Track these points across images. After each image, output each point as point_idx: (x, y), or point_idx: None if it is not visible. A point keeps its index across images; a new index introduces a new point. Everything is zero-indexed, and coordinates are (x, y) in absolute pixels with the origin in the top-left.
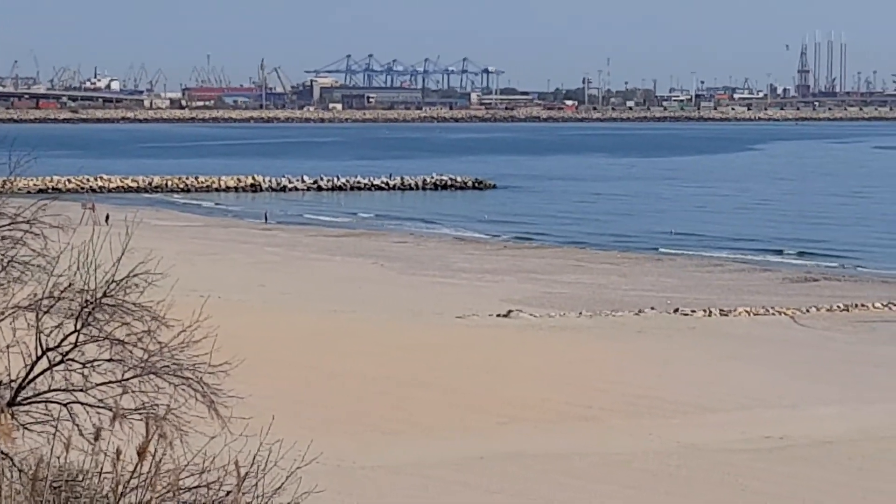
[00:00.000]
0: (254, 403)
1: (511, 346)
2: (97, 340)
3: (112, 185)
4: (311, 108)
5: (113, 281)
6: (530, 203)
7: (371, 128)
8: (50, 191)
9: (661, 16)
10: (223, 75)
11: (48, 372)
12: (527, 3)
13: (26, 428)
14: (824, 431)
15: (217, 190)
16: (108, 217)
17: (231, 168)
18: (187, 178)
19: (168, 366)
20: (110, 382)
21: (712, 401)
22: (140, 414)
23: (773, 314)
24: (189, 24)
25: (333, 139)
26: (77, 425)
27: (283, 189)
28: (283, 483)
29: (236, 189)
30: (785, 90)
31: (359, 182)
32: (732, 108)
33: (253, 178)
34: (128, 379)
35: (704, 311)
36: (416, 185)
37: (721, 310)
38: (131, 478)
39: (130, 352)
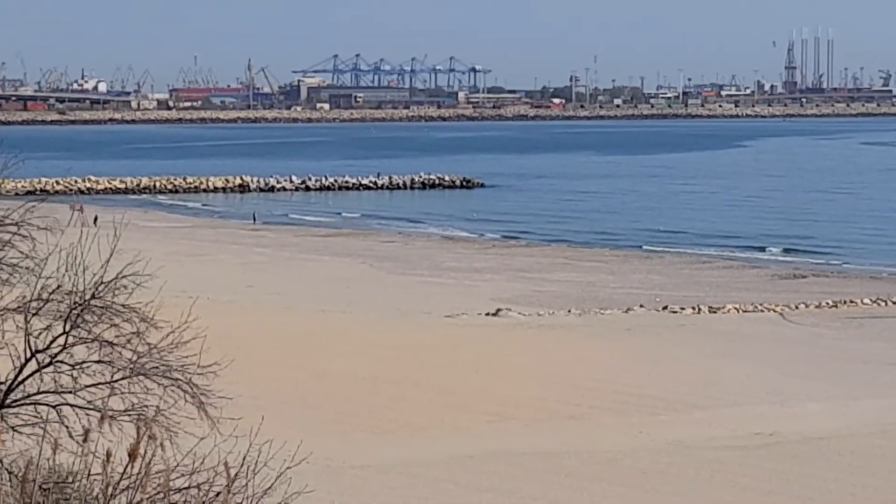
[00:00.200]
0: (243, 404)
1: (500, 344)
2: (86, 342)
3: (100, 187)
4: (299, 108)
5: (101, 282)
6: (518, 201)
7: (359, 127)
8: (38, 193)
9: (648, 13)
10: (210, 76)
11: (37, 374)
12: (514, 2)
13: (16, 430)
14: (814, 428)
15: (205, 191)
16: (96, 219)
17: (219, 169)
18: (175, 179)
19: (157, 367)
20: (99, 384)
21: (702, 398)
22: (129, 415)
23: (762, 311)
24: (176, 25)
25: (321, 139)
26: (66, 427)
27: (272, 189)
28: (272, 483)
29: (224, 190)
30: (772, 87)
31: (347, 182)
32: (720, 105)
33: (241, 178)
34: (117, 380)
35: (693, 308)
36: (404, 184)
37: (710, 307)
38: (121, 479)
39: (119, 353)
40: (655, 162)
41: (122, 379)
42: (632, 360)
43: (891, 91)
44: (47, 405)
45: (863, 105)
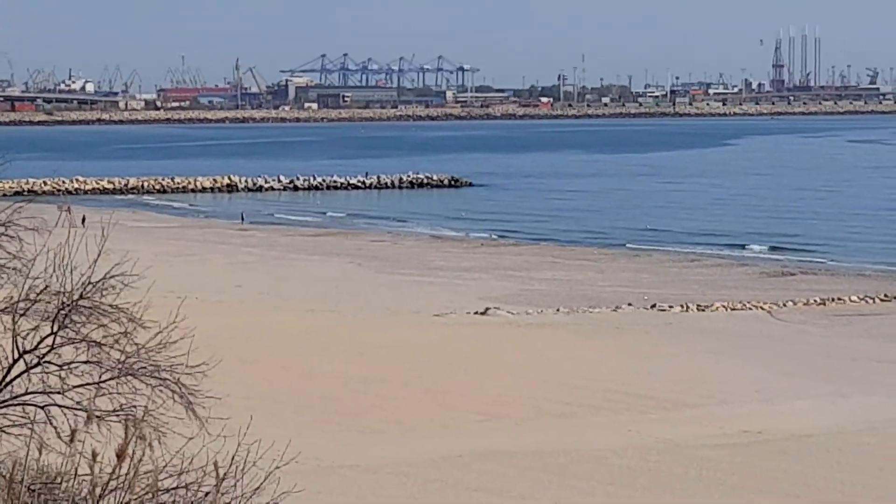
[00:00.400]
0: (232, 404)
1: (489, 343)
2: (74, 343)
3: (88, 187)
4: (287, 108)
5: (89, 283)
6: (506, 200)
7: (347, 127)
8: (25, 193)
9: (636, 12)
10: (198, 76)
11: (25, 375)
12: (503, 1)
13: (3, 431)
14: (802, 425)
15: (193, 191)
16: (84, 219)
17: (207, 169)
18: (163, 180)
19: (145, 367)
20: (87, 384)
21: (690, 396)
22: (118, 416)
23: (750, 309)
24: (164, 25)
25: (309, 139)
26: (55, 428)
27: (260, 189)
28: (261, 483)
29: (212, 190)
30: (760, 85)
31: (335, 181)
32: (707, 104)
33: (229, 178)
34: (105, 381)
35: (681, 306)
36: (393, 183)
37: (698, 305)
38: (110, 479)
39: (107, 353)
40: (643, 161)
41: (111, 379)
42: (620, 359)
43: (878, 89)
44: (35, 406)
45: (850, 103)
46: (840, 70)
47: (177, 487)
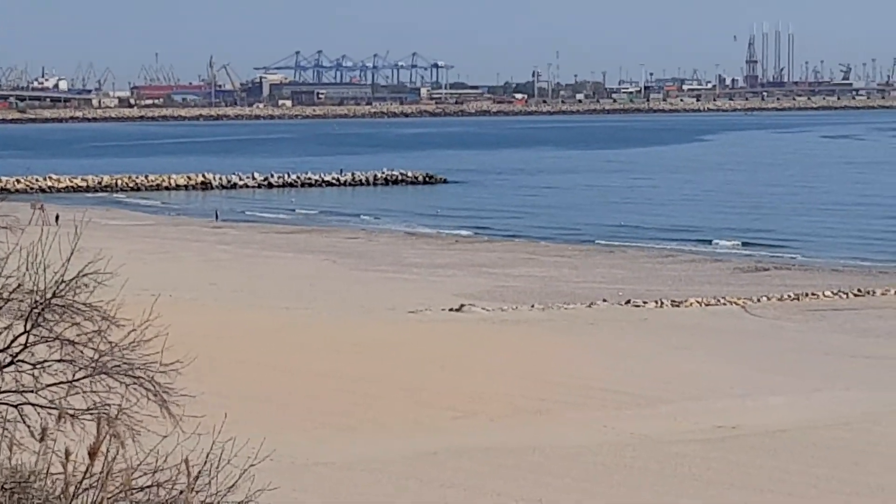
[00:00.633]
0: (206, 401)
1: (464, 340)
2: (47, 341)
3: (61, 185)
4: (261, 105)
5: (62, 281)
6: (481, 197)
7: (321, 124)
8: None
9: (609, 9)
10: (172, 73)
11: None
12: None
13: None
14: (776, 420)
15: (167, 188)
16: (57, 217)
17: (181, 166)
18: (137, 177)
19: (119, 365)
20: (61, 383)
21: (665, 392)
22: (91, 414)
23: (724, 304)
24: (137, 22)
25: (283, 136)
26: (28, 426)
27: (234, 186)
28: (236, 481)
29: (186, 187)
30: (733, 81)
31: (309, 178)
32: (681, 100)
33: (203, 176)
34: (78, 379)
35: (656, 302)
36: (367, 180)
37: (672, 301)
38: (84, 478)
39: (81, 352)
40: (617, 157)
41: (84, 378)
42: (595, 355)
43: (851, 84)
44: (8, 405)
45: (823, 98)
46: (813, 66)
47: (151, 486)
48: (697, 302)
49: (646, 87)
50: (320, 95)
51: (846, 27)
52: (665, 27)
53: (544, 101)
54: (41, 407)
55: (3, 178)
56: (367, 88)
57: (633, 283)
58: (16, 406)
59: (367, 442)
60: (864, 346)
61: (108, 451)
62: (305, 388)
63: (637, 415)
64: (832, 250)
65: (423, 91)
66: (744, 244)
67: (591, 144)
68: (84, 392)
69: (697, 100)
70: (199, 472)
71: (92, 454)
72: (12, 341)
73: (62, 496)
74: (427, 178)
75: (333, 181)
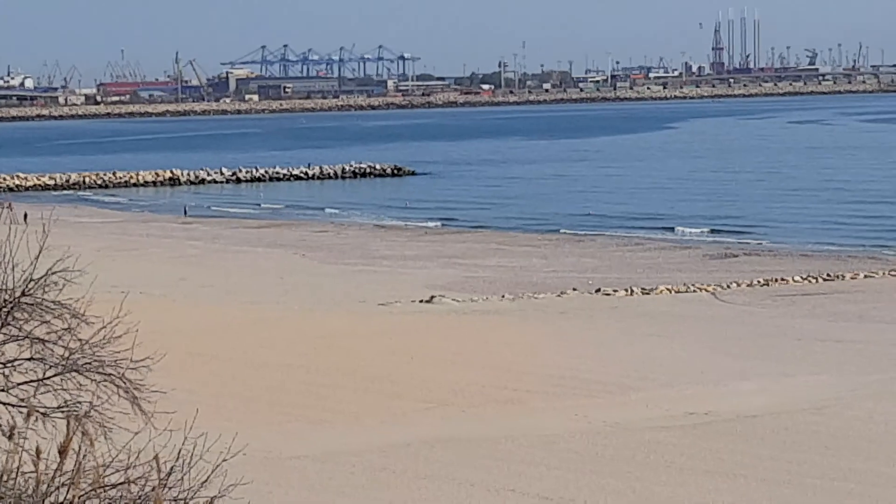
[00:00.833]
0: (177, 397)
1: (435, 331)
2: (17, 340)
3: (29, 184)
4: (228, 100)
5: (31, 280)
6: (449, 188)
7: (288, 118)
8: None
9: None
10: (138, 69)
11: None
12: None
13: None
14: (748, 406)
15: (135, 185)
16: (25, 216)
17: (148, 163)
18: (105, 174)
19: (89, 363)
20: (31, 381)
21: (636, 379)
22: (62, 412)
23: (694, 291)
24: (102, 19)
25: (251, 130)
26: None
27: (202, 182)
28: (209, 476)
29: (154, 184)
30: (700, 68)
31: (278, 172)
32: (648, 88)
33: (171, 172)
34: (49, 377)
35: (626, 290)
36: (335, 173)
37: (642, 289)
38: (55, 476)
39: (51, 350)
40: (584, 146)
41: (55, 376)
42: (566, 344)
43: (817, 70)
44: None
45: (790, 84)
46: (779, 52)
47: (123, 483)
48: (667, 289)
49: (612, 76)
50: (287, 89)
51: (811, 12)
52: (631, 15)
53: (511, 92)
54: (11, 406)
55: None
56: (333, 82)
57: (603, 272)
58: None
59: (339, 434)
60: (834, 331)
61: (79, 448)
62: (277, 382)
63: (609, 403)
64: (800, 236)
65: (390, 83)
66: (712, 231)
67: (558, 134)
68: (55, 390)
69: (664, 88)
70: (172, 468)
71: (62, 452)
72: None
73: (34, 494)
74: (395, 171)
75: (302, 175)
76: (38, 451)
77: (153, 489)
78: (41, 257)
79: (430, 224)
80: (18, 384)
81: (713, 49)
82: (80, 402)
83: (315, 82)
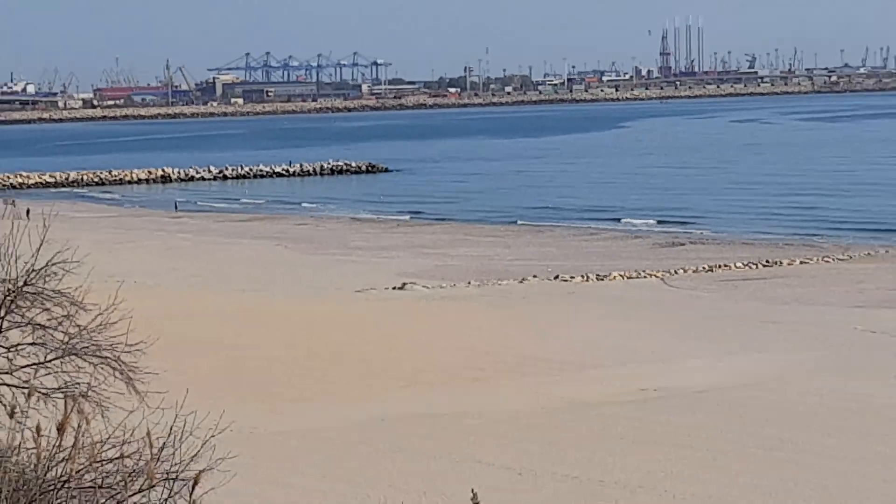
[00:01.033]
0: (169, 379)
1: (407, 316)
2: (20, 326)
3: (31, 182)
4: (215, 104)
5: (33, 270)
6: (419, 184)
7: (271, 120)
8: None
9: (535, 6)
10: (132, 75)
11: None
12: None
13: None
14: (694, 382)
15: (129, 182)
16: (28, 211)
17: (142, 161)
18: (101, 173)
19: (87, 347)
20: (33, 364)
21: (592, 358)
22: (62, 392)
23: (645, 277)
24: (98, 29)
25: (236, 131)
26: (4, 405)
27: (191, 179)
28: (198, 451)
29: (147, 181)
30: (649, 71)
31: (261, 170)
32: (601, 90)
33: (162, 170)
34: (49, 361)
35: (582, 276)
36: (314, 170)
37: (597, 275)
38: (55, 452)
39: (51, 335)
40: (543, 144)
41: (55, 359)
42: (527, 327)
43: (756, 72)
44: None
45: (731, 86)
46: (721, 56)
47: (118, 457)
48: (620, 276)
49: (569, 79)
50: (269, 93)
51: (751, 20)
52: (585, 23)
53: (476, 94)
54: (14, 387)
55: None
56: (312, 86)
57: (561, 260)
58: None
59: (319, 411)
60: (773, 313)
61: (77, 426)
62: (262, 363)
63: (567, 380)
64: (741, 225)
65: (364, 87)
66: (659, 222)
67: (519, 133)
68: (55, 372)
69: (616, 90)
70: (164, 443)
71: (61, 429)
72: None
73: (35, 468)
74: (369, 168)
75: (283, 172)
76: (38, 429)
77: (146, 463)
78: (42, 249)
79: (402, 217)
80: (21, 367)
81: (661, 54)
82: (78, 384)
83: (295, 87)
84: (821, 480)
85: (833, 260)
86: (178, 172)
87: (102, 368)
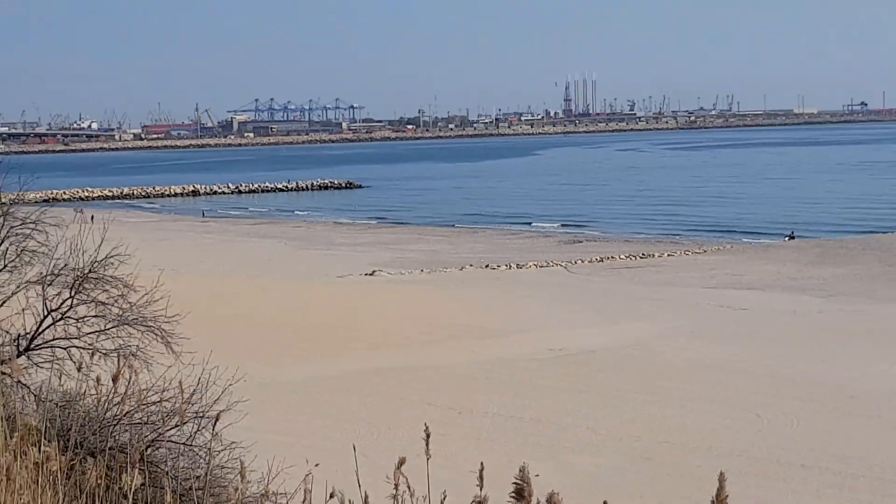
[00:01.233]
0: (197, 342)
1: (376, 295)
2: (86, 303)
3: (95, 195)
4: (232, 137)
5: (95, 261)
6: (385, 197)
7: (274, 149)
8: (50, 200)
9: (470, 63)
10: (170, 116)
11: (52, 326)
12: (378, 61)
13: (38, 366)
14: (589, 344)
15: (167, 196)
16: (92, 217)
17: (177, 180)
18: (146, 188)
19: (136, 318)
20: (95, 332)
21: (513, 326)
22: (117, 352)
23: (553, 266)
24: (144, 81)
25: (248, 158)
26: (74, 362)
27: (215, 193)
28: (219, 395)
29: (181, 195)
30: (555, 113)
31: (267, 186)
32: (521, 127)
33: (193, 186)
34: (108, 328)
35: (506, 265)
36: (307, 186)
37: (517, 264)
38: (112, 397)
39: (109, 310)
40: (476, 167)
41: (112, 328)
42: (465, 303)
43: (635, 114)
44: (59, 348)
45: (616, 124)
46: (609, 101)
47: (159, 401)
48: (534, 265)
49: (496, 119)
50: (273, 129)
51: (631, 75)
52: (508, 76)
53: (427, 130)
54: (82, 348)
55: (54, 191)
56: (305, 124)
57: (490, 253)
58: (65, 349)
59: (311, 366)
60: (647, 292)
61: (128, 378)
62: (268, 330)
63: (494, 343)
64: (624, 227)
65: (344, 125)
66: (562, 225)
67: (459, 159)
68: (112, 338)
69: (531, 127)
70: (193, 391)
71: (115, 380)
72: (61, 304)
73: (97, 409)
74: (348, 185)
75: (283, 188)
76: (98, 380)
77: (180, 405)
78: (102, 245)
79: (371, 221)
80: (87, 333)
81: (564, 100)
82: (129, 346)
83: (292, 124)
84: (681, 418)
85: (692, 253)
86: (205, 188)
87: (147, 335)
